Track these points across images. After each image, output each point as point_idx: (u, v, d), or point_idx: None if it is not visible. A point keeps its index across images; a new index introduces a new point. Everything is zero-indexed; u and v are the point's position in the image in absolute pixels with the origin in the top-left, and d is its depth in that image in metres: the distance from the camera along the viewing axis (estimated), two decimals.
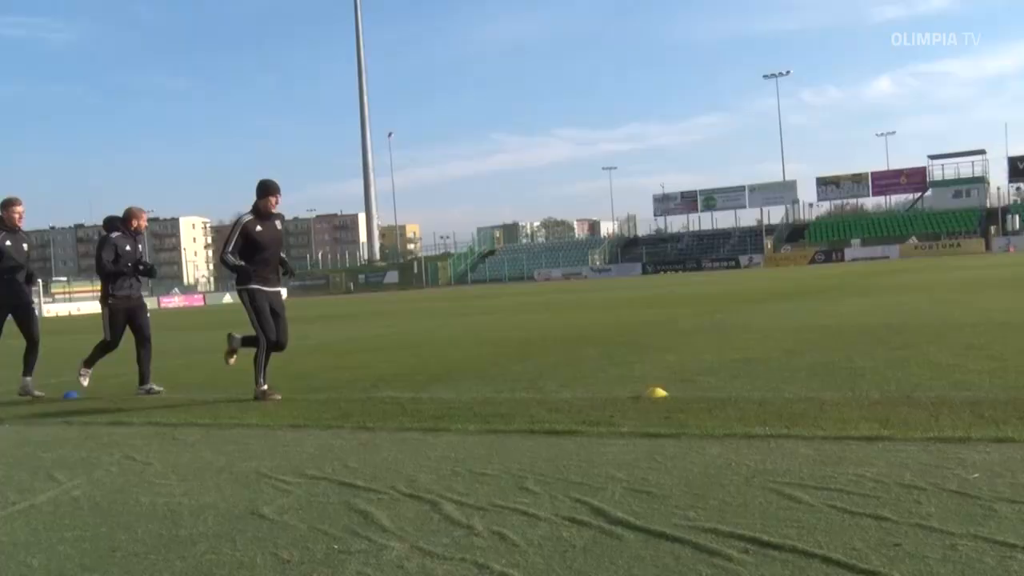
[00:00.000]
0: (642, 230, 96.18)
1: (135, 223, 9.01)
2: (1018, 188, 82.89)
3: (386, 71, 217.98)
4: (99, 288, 9.03)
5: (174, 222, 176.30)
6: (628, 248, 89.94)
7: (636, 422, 5.50)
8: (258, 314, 7.72)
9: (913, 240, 72.30)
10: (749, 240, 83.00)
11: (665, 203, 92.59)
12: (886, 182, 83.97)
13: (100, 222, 9.44)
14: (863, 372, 7.02)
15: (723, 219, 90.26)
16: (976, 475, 3.78)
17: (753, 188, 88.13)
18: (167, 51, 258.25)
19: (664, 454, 4.59)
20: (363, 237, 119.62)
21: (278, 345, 7.84)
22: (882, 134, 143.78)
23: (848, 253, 71.76)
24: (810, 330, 11.23)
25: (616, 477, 4.16)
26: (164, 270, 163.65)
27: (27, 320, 8.88)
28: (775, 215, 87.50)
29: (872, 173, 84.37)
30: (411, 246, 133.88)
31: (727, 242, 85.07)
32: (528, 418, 5.88)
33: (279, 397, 7.54)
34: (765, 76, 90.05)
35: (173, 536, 3.61)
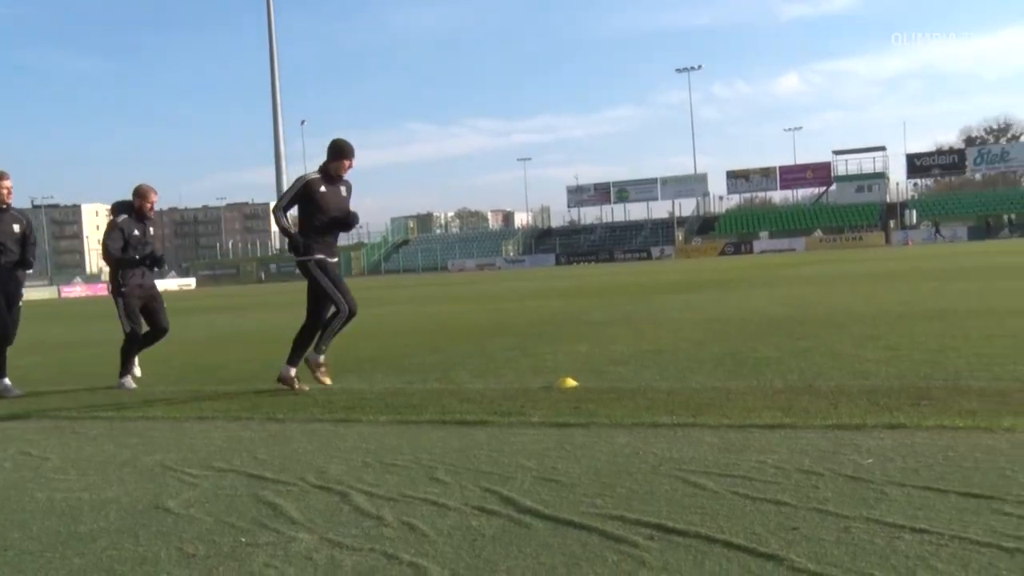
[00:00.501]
0: (556, 221, 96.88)
1: (140, 203, 8.12)
2: (916, 184, 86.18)
3: (299, 57, 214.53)
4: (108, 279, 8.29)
5: (75, 209, 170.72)
6: (542, 239, 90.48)
7: (546, 412, 5.56)
8: (336, 283, 7.11)
9: (818, 233, 74.36)
10: (661, 232, 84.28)
11: (579, 194, 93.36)
12: (793, 176, 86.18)
13: None
14: (768, 362, 7.22)
15: (636, 211, 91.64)
16: (870, 460, 3.93)
17: (665, 180, 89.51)
18: (70, 29, 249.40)
19: (573, 443, 4.64)
20: (275, 226, 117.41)
21: (351, 312, 7.15)
22: (789, 129, 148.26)
23: (756, 245, 73.46)
24: (718, 321, 11.48)
25: (526, 466, 4.19)
26: (64, 258, 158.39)
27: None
28: (686, 207, 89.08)
29: (780, 167, 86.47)
30: None
31: (639, 234, 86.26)
32: (439, 408, 5.88)
33: (308, 388, 7.00)
34: (678, 70, 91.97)
35: (71, 532, 3.52)
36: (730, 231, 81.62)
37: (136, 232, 8.06)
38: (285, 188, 7.46)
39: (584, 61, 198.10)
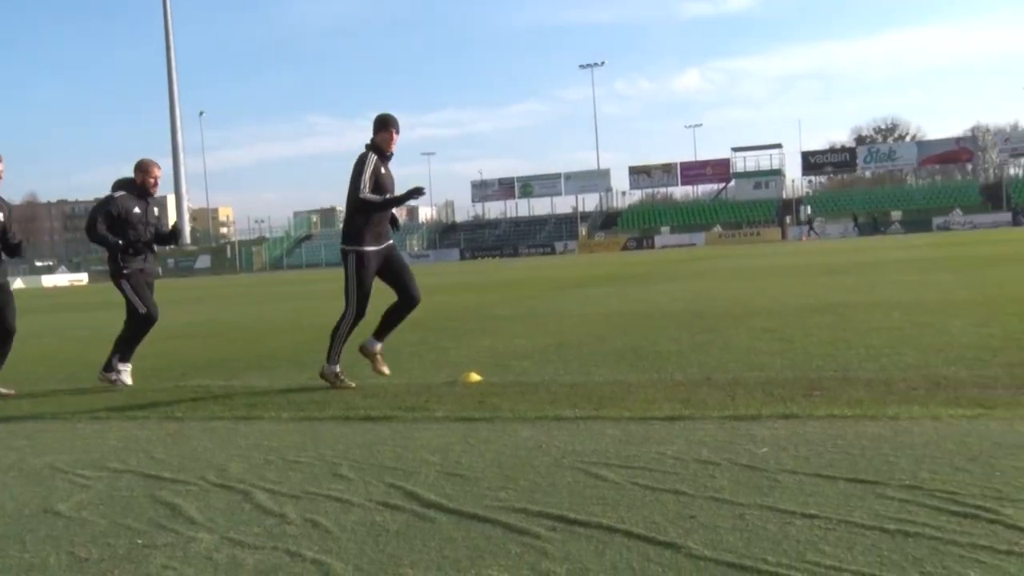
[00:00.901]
0: (460, 216, 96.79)
1: (142, 178, 7.36)
2: (810, 181, 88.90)
3: (197, 46, 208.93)
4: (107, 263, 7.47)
5: None
6: (446, 234, 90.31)
7: (451, 407, 5.57)
8: (359, 285, 6.60)
9: (718, 228, 76.09)
10: (564, 227, 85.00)
11: (483, 189, 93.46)
12: (694, 172, 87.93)
13: None
14: (668, 355, 7.37)
15: (540, 206, 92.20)
16: (765, 449, 4.06)
17: (569, 176, 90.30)
18: None
19: (477, 437, 4.67)
20: (172, 220, 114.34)
21: (414, 300, 6.76)
22: (690, 126, 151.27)
23: (658, 240, 74.72)
24: (620, 315, 11.67)
25: (430, 461, 4.20)
26: None
27: (2, 305, 7.14)
28: (590, 203, 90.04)
29: (681, 163, 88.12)
30: (224, 230, 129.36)
31: (543, 229, 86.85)
32: (343, 405, 5.84)
33: (354, 385, 6.59)
34: (581, 66, 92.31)
35: None
36: (632, 226, 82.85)
37: (136, 210, 7.30)
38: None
39: (489, 56, 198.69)
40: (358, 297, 6.64)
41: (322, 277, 43.94)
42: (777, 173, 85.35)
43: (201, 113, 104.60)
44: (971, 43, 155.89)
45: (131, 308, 7.36)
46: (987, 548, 2.70)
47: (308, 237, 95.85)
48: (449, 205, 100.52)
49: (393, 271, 6.80)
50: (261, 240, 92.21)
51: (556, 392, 5.92)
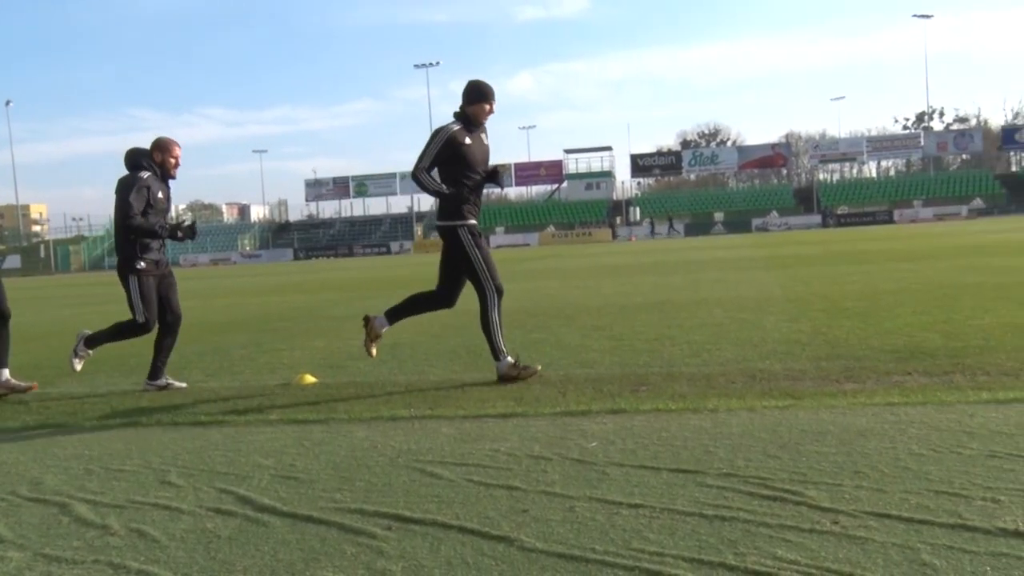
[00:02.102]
0: (293, 215, 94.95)
1: (162, 158, 6.59)
2: (639, 183, 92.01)
3: (2, 33, 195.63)
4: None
5: None
6: (279, 233, 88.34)
7: (284, 409, 5.49)
8: (485, 259, 6.10)
9: (551, 229, 77.65)
10: (400, 227, 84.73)
11: (317, 188, 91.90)
12: (528, 173, 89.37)
13: None
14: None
15: (375, 205, 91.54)
16: (594, 444, 4.21)
17: (404, 175, 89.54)
18: None
19: (312, 439, 4.63)
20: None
21: (502, 293, 6.23)
22: (524, 128, 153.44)
23: (493, 240, 75.48)
24: (454, 315, 11.70)
25: (263, 465, 4.14)
26: None
27: None
28: (425, 202, 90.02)
29: (515, 164, 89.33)
30: (37, 228, 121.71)
31: (379, 228, 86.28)
32: (172, 410, 5.65)
33: (538, 367, 6.15)
34: (416, 65, 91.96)
35: None
36: None
37: (160, 195, 6.55)
38: None
39: (323, 52, 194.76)
40: (488, 268, 6.11)
41: None
42: (608, 175, 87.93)
43: (8, 103, 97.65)
44: (785, 56, 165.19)
45: (130, 308, 6.60)
46: (793, 528, 2.91)
47: None
48: (282, 204, 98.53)
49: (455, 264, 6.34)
50: (79, 239, 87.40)
51: (391, 392, 5.93)
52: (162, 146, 6.60)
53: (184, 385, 6.70)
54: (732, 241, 43.80)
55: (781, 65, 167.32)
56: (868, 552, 2.67)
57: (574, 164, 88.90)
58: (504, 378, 6.07)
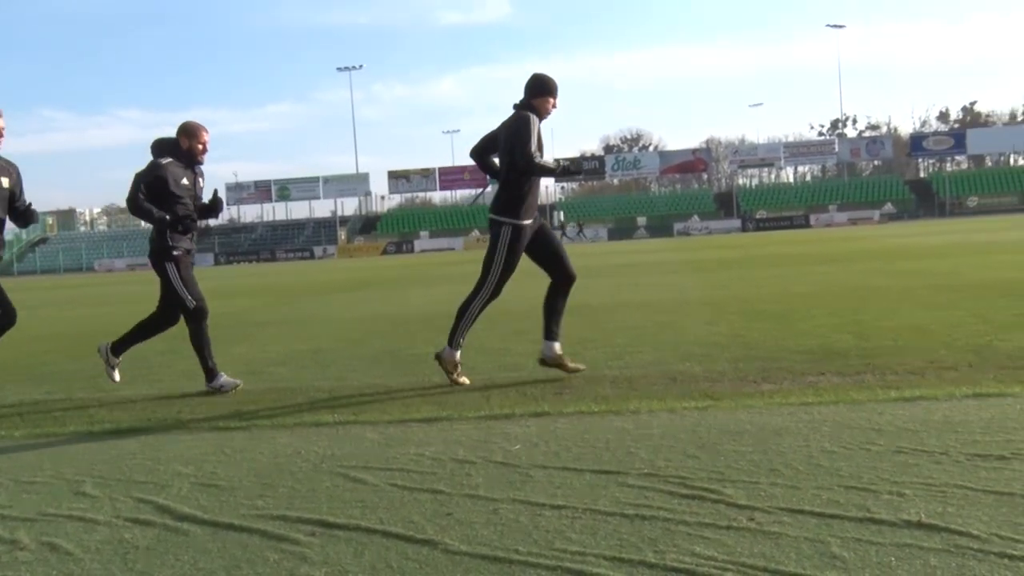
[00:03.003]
0: (214, 220, 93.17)
1: (189, 144, 6.39)
2: (563, 187, 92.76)
3: None
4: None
5: None
6: (199, 238, 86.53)
7: (205, 416, 5.41)
8: (509, 260, 6.09)
9: (476, 233, 77.68)
10: (323, 231, 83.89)
11: (238, 192, 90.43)
12: (452, 177, 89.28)
13: None
14: (425, 358, 7.47)
15: (297, 209, 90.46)
16: (518, 446, 4.24)
17: (327, 179, 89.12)
18: None
19: (233, 446, 4.57)
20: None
21: (572, 277, 6.27)
22: (448, 132, 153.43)
23: (418, 245, 75.29)
24: (378, 319, 11.70)
25: (183, 473, 4.07)
26: None
27: None
28: (349, 207, 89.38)
29: (439, 168, 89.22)
30: None
31: (301, 233, 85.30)
32: (86, 419, 5.53)
33: (467, 382, 6.08)
34: (339, 68, 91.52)
35: None
36: (392, 231, 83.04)
37: (184, 181, 6.36)
38: None
39: (243, 54, 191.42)
40: (502, 273, 6.10)
41: (60, 284, 40.92)
42: None
43: None
44: (705, 63, 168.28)
45: (174, 299, 6.47)
46: (711, 525, 2.98)
47: (43, 240, 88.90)
48: None
49: (547, 247, 6.29)
50: None
51: (314, 398, 5.89)
52: (189, 131, 6.43)
53: (239, 382, 6.50)
54: (654, 245, 44.43)
55: (701, 72, 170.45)
56: (781, 546, 2.76)
57: None
58: (440, 359, 6.12)
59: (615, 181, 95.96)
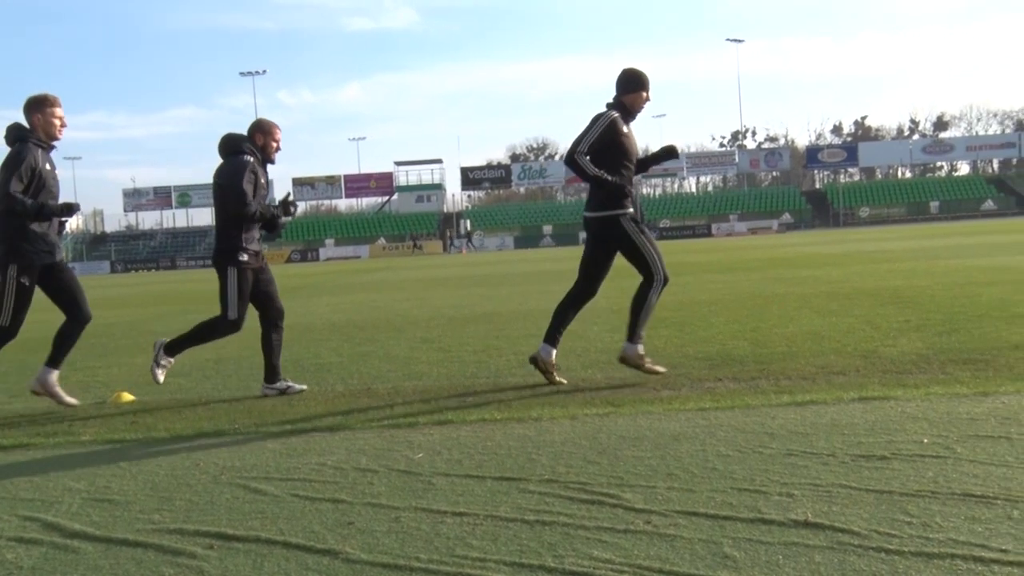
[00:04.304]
0: (110, 226, 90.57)
1: (264, 141, 6.23)
2: (470, 196, 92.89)
3: None
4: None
5: None
6: (95, 245, 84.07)
7: (99, 429, 5.27)
8: (653, 245, 6.05)
9: (382, 241, 77.22)
10: None
11: (136, 198, 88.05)
12: (358, 185, 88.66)
13: None
14: (329, 367, 7.43)
15: (199, 216, 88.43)
16: (421, 455, 4.25)
17: None
18: None
19: (129, 460, 4.46)
20: None
21: (667, 281, 6.24)
22: (354, 139, 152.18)
23: (323, 253, 74.41)
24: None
25: (75, 488, 3.96)
26: None
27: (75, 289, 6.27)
28: None
29: (345, 176, 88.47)
30: None
31: (203, 240, 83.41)
32: None
33: (663, 370, 6.05)
34: (242, 73, 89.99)
35: None
36: (297, 238, 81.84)
37: (263, 180, 6.20)
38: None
39: (141, 57, 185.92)
40: (659, 256, 6.09)
41: None
42: (438, 187, 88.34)
43: None
44: (609, 73, 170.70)
45: (225, 307, 6.20)
46: (609, 529, 3.05)
47: None
48: (98, 214, 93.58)
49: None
50: None
51: (215, 409, 5.79)
52: (264, 128, 6.27)
53: (304, 387, 6.37)
54: (561, 253, 44.83)
55: (606, 82, 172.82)
56: (677, 548, 2.84)
57: (405, 176, 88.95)
58: (625, 361, 6.05)
59: (521, 190, 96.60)
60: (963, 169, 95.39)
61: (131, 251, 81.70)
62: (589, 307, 11.74)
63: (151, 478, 4.08)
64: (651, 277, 6.08)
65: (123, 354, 9.23)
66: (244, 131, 6.34)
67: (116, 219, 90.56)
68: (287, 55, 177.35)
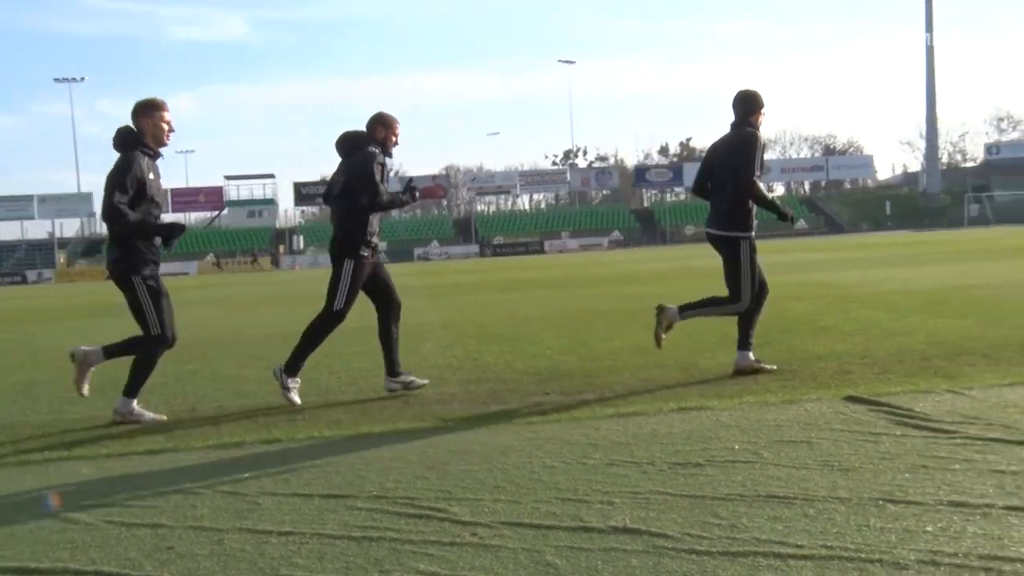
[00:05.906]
0: None
1: (385, 135, 6.17)
2: (303, 211, 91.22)
3: None
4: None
5: None
6: None
7: None
8: (754, 275, 6.29)
9: (211, 257, 74.71)
10: (39, 254, 77.60)
11: None
12: (186, 199, 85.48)
13: None
14: (152, 388, 7.08)
15: (7, 230, 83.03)
16: (247, 475, 4.16)
17: (44, 198, 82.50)
18: None
19: None
20: None
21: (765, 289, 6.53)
22: (182, 152, 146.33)
23: None
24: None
25: None
26: None
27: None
28: (69, 228, 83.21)
29: (173, 190, 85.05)
30: None
31: (12, 256, 78.42)
32: None
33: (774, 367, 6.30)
34: (56, 80, 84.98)
35: None
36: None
37: (387, 171, 6.25)
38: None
39: None
40: (752, 285, 6.31)
41: None
42: (271, 202, 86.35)
43: None
44: (446, 91, 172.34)
45: (334, 297, 6.28)
46: (436, 542, 3.08)
47: None
48: None
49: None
50: None
51: (21, 434, 5.47)
52: (386, 122, 6.23)
53: (426, 381, 6.35)
54: (395, 270, 44.43)
55: (442, 100, 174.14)
56: (501, 559, 2.90)
57: (235, 191, 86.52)
58: (741, 371, 6.23)
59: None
60: (779, 190, 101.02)
61: None
62: (422, 323, 11.80)
63: None
64: (734, 300, 6.37)
65: None
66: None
67: None
68: (109, 62, 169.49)
